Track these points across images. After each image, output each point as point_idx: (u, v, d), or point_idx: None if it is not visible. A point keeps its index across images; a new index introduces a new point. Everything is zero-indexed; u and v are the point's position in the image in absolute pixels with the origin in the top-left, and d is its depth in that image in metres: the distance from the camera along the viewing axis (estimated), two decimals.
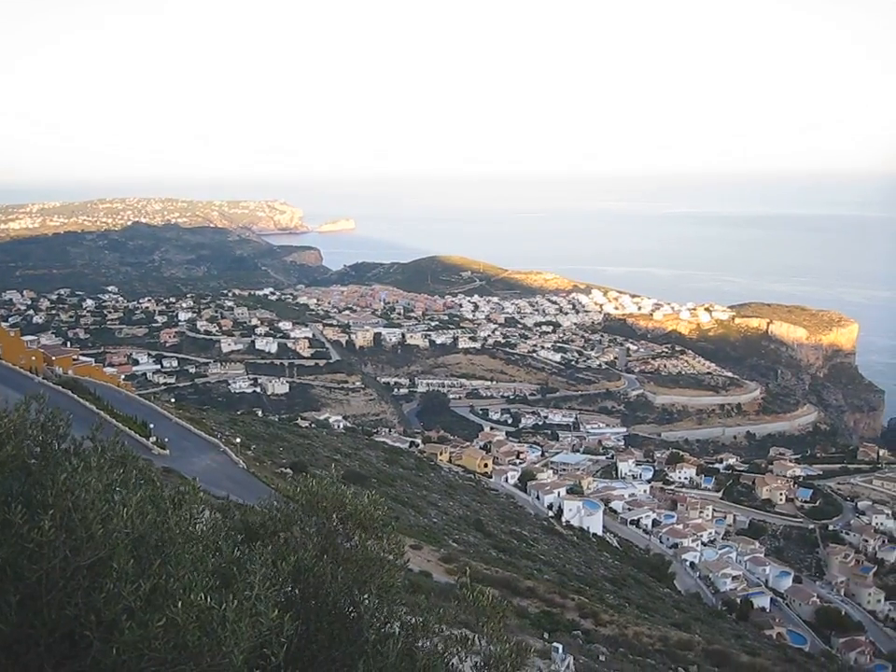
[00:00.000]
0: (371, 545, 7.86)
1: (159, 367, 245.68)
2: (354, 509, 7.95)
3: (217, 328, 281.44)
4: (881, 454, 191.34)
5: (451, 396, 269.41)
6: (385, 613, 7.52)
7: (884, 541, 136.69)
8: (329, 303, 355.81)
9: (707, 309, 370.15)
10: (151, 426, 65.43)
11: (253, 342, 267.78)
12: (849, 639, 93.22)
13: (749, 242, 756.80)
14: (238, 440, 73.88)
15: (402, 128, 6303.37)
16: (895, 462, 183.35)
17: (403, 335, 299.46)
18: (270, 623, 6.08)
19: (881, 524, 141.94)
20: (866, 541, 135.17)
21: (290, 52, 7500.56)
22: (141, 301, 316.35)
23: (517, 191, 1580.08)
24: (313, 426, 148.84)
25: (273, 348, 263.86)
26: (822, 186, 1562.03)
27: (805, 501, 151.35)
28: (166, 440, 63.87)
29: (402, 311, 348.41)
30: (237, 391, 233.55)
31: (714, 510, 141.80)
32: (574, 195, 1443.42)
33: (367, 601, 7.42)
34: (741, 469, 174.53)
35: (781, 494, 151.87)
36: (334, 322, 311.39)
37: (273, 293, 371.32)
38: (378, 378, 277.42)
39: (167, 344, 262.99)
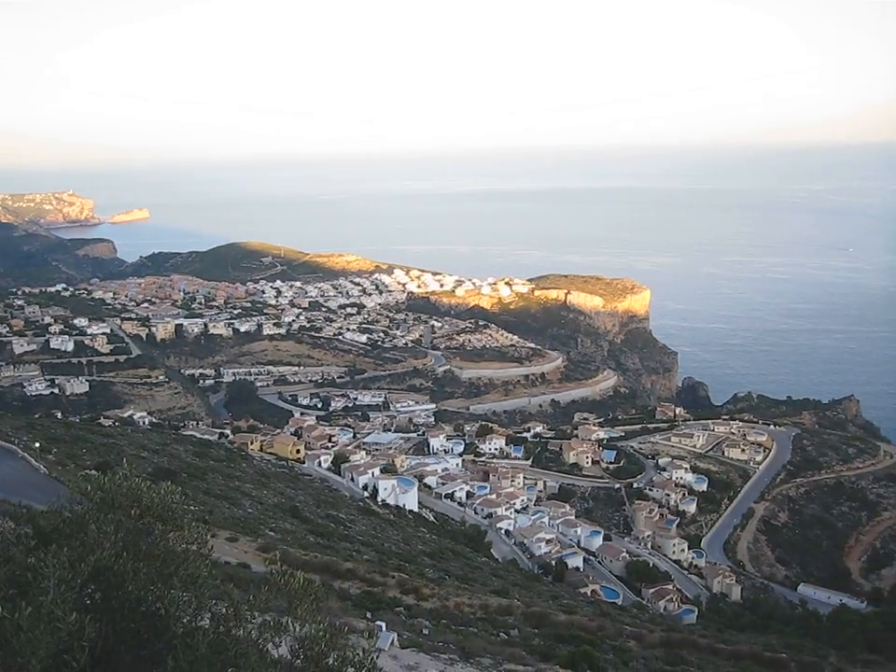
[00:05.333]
0: (172, 538, 7.64)
1: None
2: (151, 502, 7.70)
3: (8, 328, 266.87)
4: (677, 412, 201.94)
5: (258, 384, 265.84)
6: (195, 606, 7.34)
7: (684, 494, 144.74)
8: (127, 296, 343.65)
9: (507, 283, 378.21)
10: None
11: (47, 341, 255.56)
12: (658, 589, 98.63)
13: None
14: (37, 444, 70.65)
15: (188, 111, 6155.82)
16: (690, 419, 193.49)
17: (206, 325, 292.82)
18: (69, 628, 5.84)
19: (681, 478, 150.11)
20: (668, 496, 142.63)
21: (64, 33, 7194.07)
22: None
23: (314, 173, 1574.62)
24: (117, 424, 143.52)
25: (70, 346, 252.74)
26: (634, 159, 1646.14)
27: (610, 462, 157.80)
28: None
29: (203, 300, 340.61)
30: (33, 394, 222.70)
31: (525, 477, 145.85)
32: (374, 176, 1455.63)
33: (173, 595, 7.21)
34: (548, 436, 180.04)
35: (587, 457, 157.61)
36: (133, 315, 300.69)
37: (66, 289, 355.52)
38: (182, 370, 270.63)
39: None
